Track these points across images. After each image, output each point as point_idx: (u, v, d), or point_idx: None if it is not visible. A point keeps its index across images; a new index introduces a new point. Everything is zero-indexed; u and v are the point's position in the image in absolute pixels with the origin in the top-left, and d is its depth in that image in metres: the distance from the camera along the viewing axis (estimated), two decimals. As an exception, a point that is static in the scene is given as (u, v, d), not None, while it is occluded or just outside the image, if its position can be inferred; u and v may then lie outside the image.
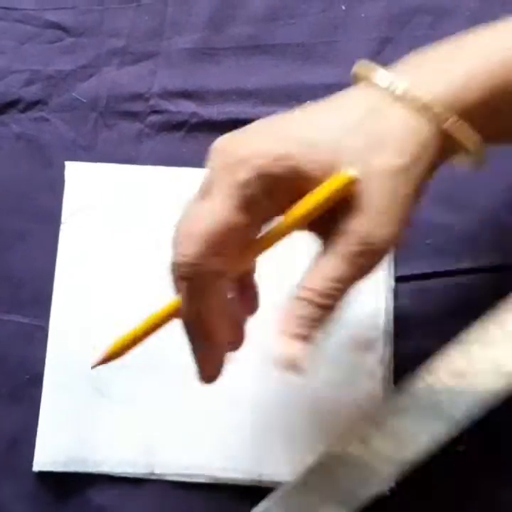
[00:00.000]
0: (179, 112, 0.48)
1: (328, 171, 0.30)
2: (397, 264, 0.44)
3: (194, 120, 0.48)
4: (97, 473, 0.43)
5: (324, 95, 0.46)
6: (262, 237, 0.32)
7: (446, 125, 0.31)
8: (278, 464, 0.42)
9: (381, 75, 0.32)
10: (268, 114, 0.46)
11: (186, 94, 0.48)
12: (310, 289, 0.31)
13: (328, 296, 0.31)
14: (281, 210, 0.32)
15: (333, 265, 0.31)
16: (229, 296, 0.35)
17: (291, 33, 0.49)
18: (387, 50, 0.48)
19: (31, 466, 0.43)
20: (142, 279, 0.45)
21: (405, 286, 0.44)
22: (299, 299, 0.32)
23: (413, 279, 0.44)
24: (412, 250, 0.44)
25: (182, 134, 0.48)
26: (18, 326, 0.45)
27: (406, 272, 0.44)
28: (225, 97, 0.48)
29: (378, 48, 0.48)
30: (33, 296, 0.46)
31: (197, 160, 0.46)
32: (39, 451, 0.43)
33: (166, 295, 0.44)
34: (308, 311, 0.31)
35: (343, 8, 0.48)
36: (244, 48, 0.49)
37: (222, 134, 0.46)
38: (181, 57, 0.49)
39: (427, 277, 0.44)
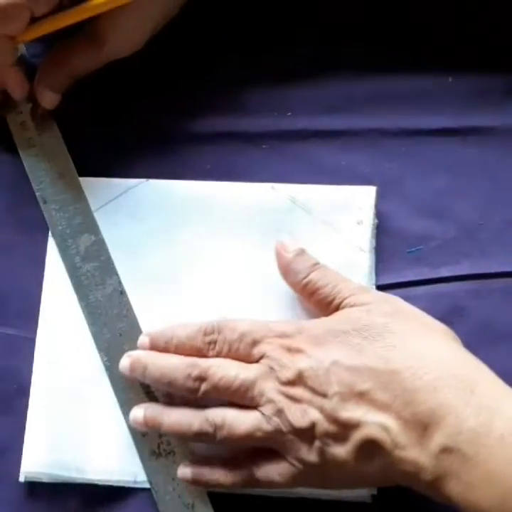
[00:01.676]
0: (163, 125, 0.49)
1: None
2: (378, 273, 0.45)
3: (177, 132, 0.48)
4: (83, 482, 0.43)
5: (305, 106, 0.48)
6: (47, 18, 0.43)
7: None
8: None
9: None
10: (251, 125, 0.47)
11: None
12: None
13: None
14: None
15: None
16: None
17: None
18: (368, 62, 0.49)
19: (18, 475, 0.43)
20: (128, 289, 0.45)
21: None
22: None
23: (394, 288, 0.45)
24: (393, 259, 0.45)
25: (165, 146, 0.48)
26: (5, 337, 0.46)
27: (387, 280, 0.45)
28: (207, 109, 0.48)
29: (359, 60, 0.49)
30: (21, 308, 0.46)
31: (180, 172, 0.47)
32: (25, 462, 0.43)
33: (150, 305, 0.45)
34: None
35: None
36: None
37: (204, 146, 0.48)
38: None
39: (407, 285, 0.45)
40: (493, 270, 0.45)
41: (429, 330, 0.39)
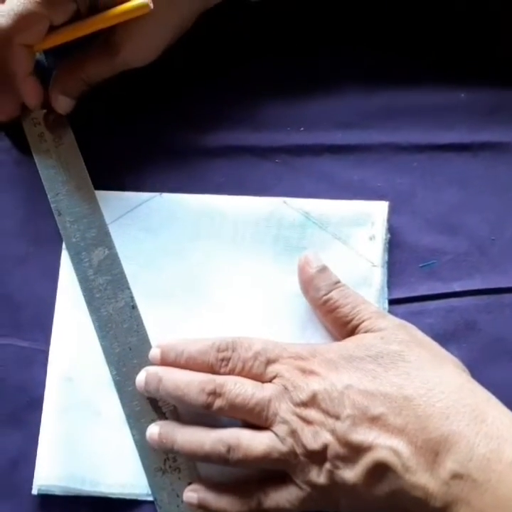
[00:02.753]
0: (176, 139, 0.49)
1: None
2: (390, 287, 0.45)
3: (191, 146, 0.48)
4: (96, 495, 0.43)
5: (318, 121, 0.48)
6: (64, 27, 0.44)
7: None
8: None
9: None
10: (264, 140, 0.48)
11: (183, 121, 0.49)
12: None
13: None
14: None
15: None
16: None
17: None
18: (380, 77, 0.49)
19: (31, 488, 0.43)
20: (140, 303, 0.46)
21: (399, 308, 0.45)
22: None
23: (406, 302, 0.45)
24: (406, 274, 0.45)
25: (179, 160, 0.48)
26: (18, 350, 0.46)
27: (399, 294, 0.45)
28: (220, 123, 0.49)
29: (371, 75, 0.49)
30: (33, 320, 0.46)
31: (194, 186, 0.47)
32: (38, 475, 0.43)
33: (161, 320, 0.45)
34: None
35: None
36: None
37: (218, 160, 0.48)
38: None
39: (420, 300, 0.45)
40: (505, 285, 0.45)
41: (441, 360, 0.40)
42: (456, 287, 0.45)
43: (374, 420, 0.37)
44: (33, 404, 0.45)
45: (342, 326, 0.42)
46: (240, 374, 0.41)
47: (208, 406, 0.40)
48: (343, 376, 0.39)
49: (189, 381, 0.40)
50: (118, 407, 0.44)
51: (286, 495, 0.39)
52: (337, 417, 0.38)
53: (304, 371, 0.40)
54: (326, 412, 0.38)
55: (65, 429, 0.44)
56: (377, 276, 0.45)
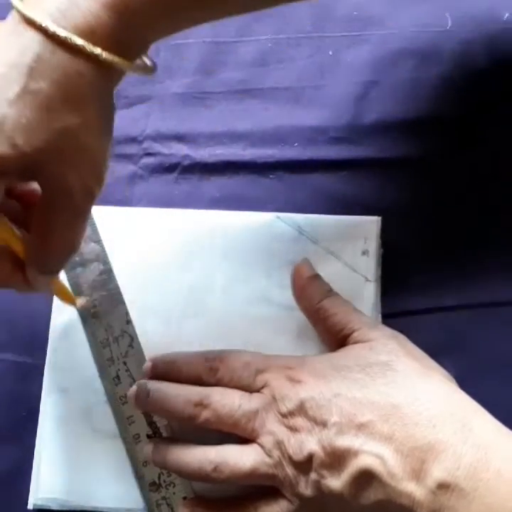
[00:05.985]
0: (171, 155, 0.49)
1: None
2: (383, 301, 0.45)
3: (186, 162, 0.49)
4: (91, 509, 0.43)
5: (311, 137, 0.48)
6: None
7: (103, 58, 0.33)
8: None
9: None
10: (258, 156, 0.48)
11: (178, 137, 0.49)
12: None
13: None
14: None
15: None
16: None
17: (280, 78, 0.50)
18: (372, 93, 0.49)
19: (27, 502, 0.44)
20: (135, 318, 0.46)
21: (392, 322, 0.44)
22: None
23: (399, 316, 0.45)
24: (398, 288, 0.46)
25: (174, 176, 0.49)
26: (13, 365, 0.46)
27: (392, 309, 0.45)
28: (216, 139, 0.49)
29: (364, 90, 0.49)
30: (29, 334, 0.47)
31: (189, 201, 0.48)
32: (34, 488, 0.44)
33: (156, 334, 0.45)
34: None
35: (330, 53, 0.50)
36: (235, 92, 0.50)
37: (213, 176, 0.48)
38: (173, 100, 0.50)
39: (412, 314, 0.45)
40: (496, 299, 0.45)
41: (429, 370, 0.40)
42: (449, 301, 0.45)
43: (361, 427, 0.37)
44: (29, 418, 0.45)
45: (333, 335, 0.42)
46: (228, 384, 0.41)
47: (194, 417, 0.40)
48: (331, 385, 0.39)
49: (176, 393, 0.41)
50: (113, 421, 0.44)
51: (277, 509, 0.39)
52: (324, 425, 0.38)
53: (293, 380, 0.40)
54: (313, 420, 0.38)
55: (60, 443, 0.44)
56: (371, 290, 0.45)
